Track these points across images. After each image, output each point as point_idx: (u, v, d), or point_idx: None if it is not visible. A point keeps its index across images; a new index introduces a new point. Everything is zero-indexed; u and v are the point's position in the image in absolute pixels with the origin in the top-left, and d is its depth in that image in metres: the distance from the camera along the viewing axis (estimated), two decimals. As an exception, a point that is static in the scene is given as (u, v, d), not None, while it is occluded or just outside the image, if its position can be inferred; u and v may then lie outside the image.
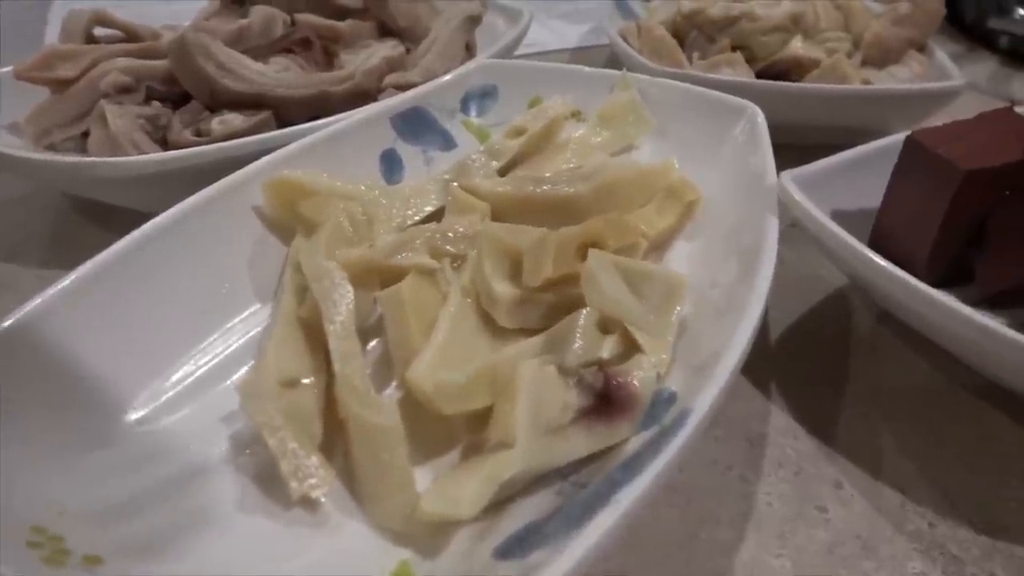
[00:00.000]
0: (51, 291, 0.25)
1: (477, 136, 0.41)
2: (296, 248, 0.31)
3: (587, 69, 0.42)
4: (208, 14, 0.47)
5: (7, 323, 0.23)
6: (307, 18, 0.43)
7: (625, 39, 0.51)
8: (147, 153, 0.36)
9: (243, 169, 0.32)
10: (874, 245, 0.32)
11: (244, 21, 0.41)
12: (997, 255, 0.29)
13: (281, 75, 0.39)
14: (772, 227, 0.28)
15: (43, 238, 0.40)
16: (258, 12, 0.43)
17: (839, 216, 0.33)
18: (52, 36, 0.67)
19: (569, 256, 0.28)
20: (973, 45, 0.68)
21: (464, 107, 0.42)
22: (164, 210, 0.29)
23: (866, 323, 0.35)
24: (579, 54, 0.65)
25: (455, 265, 0.30)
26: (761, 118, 0.36)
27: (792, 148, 0.37)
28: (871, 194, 0.34)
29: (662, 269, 0.28)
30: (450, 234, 0.30)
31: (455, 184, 0.34)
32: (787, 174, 0.31)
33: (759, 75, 0.49)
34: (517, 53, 0.62)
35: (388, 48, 0.43)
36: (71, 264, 0.25)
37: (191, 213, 0.29)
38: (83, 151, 0.40)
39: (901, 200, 0.31)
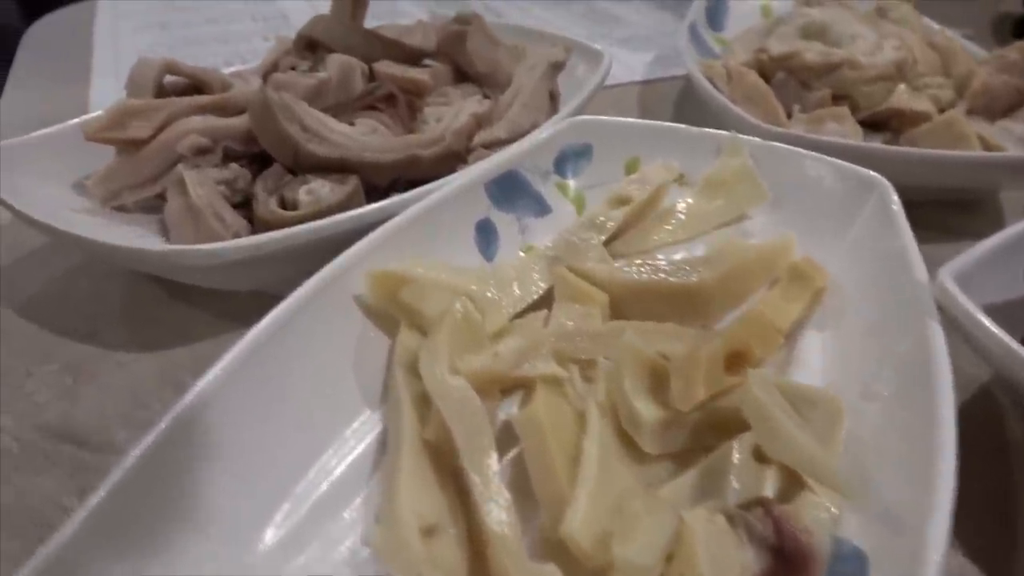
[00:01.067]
0: (172, 415, 0.22)
1: (572, 201, 0.39)
2: (404, 346, 0.29)
3: (690, 129, 0.39)
4: (276, 57, 0.45)
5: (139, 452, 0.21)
6: (388, 71, 0.40)
7: (712, 83, 0.48)
8: (230, 225, 0.33)
9: (342, 256, 0.30)
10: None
11: (323, 75, 0.39)
12: None
13: (368, 138, 0.36)
14: (938, 340, 0.26)
15: (115, 314, 0.37)
16: (335, 62, 0.40)
17: (991, 308, 0.30)
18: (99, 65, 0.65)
19: (719, 372, 0.25)
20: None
21: (558, 168, 0.39)
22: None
23: (1019, 428, 0.32)
24: (650, 88, 0.62)
25: (585, 374, 0.27)
26: (895, 196, 0.33)
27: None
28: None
29: (822, 392, 0.26)
30: (577, 338, 0.28)
31: (566, 268, 0.32)
32: (946, 272, 0.28)
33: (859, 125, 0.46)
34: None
35: (474, 103, 0.40)
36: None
37: (297, 313, 0.27)
38: (154, 211, 0.38)
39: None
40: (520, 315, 0.31)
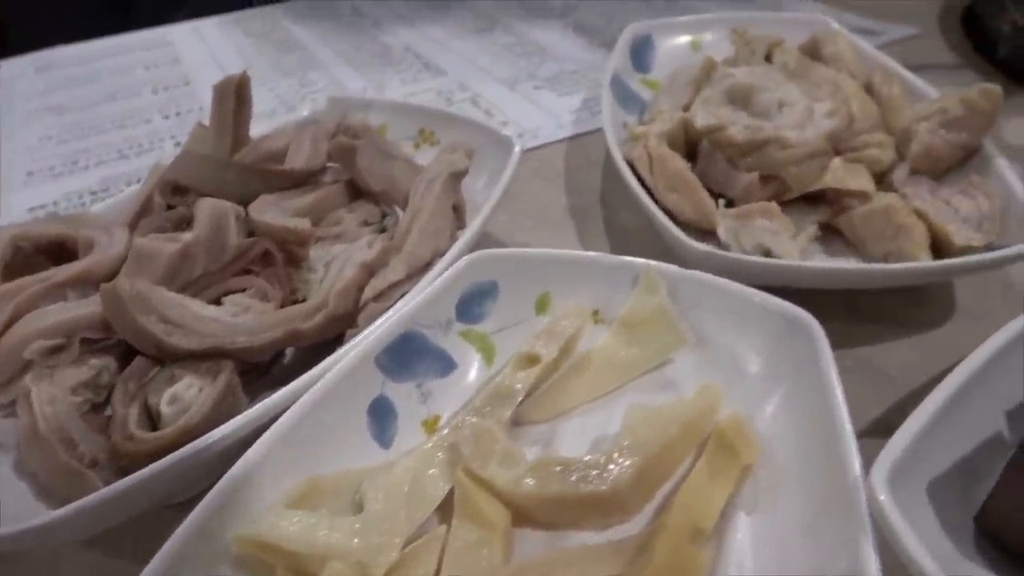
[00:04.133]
0: None
1: (479, 349, 0.35)
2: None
3: (603, 259, 0.35)
4: (147, 195, 0.40)
5: None
6: (264, 219, 0.36)
7: (633, 168, 0.44)
8: (83, 453, 0.29)
9: (213, 493, 0.26)
10: (983, 526, 0.26)
11: (188, 236, 0.34)
12: None
13: (240, 320, 0.32)
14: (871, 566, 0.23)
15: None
16: (204, 212, 0.36)
17: (934, 486, 0.27)
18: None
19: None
20: (1007, 82, 0.61)
21: (461, 314, 0.35)
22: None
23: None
24: (577, 144, 0.57)
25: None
26: (823, 341, 0.30)
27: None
28: (968, 439, 0.28)
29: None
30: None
31: (466, 473, 0.28)
32: (878, 475, 0.24)
33: (792, 201, 0.42)
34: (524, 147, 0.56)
35: (363, 248, 0.36)
36: None
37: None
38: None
39: (1018, 502, 0.25)
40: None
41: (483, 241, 0.47)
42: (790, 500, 0.28)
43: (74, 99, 0.70)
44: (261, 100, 0.66)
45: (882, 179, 0.44)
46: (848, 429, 0.27)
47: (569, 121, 0.60)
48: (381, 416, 0.32)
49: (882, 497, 0.24)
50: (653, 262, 0.34)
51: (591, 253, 0.35)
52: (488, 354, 0.35)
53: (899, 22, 0.74)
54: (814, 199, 0.43)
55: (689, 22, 0.61)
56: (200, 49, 0.78)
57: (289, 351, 0.36)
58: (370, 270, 0.35)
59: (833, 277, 0.36)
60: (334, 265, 0.35)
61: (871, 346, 0.38)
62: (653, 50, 0.60)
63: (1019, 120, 0.56)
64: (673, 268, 0.34)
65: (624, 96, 0.55)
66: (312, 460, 0.30)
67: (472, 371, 0.34)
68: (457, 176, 0.40)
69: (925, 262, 0.37)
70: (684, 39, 0.61)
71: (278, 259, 0.34)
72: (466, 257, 0.35)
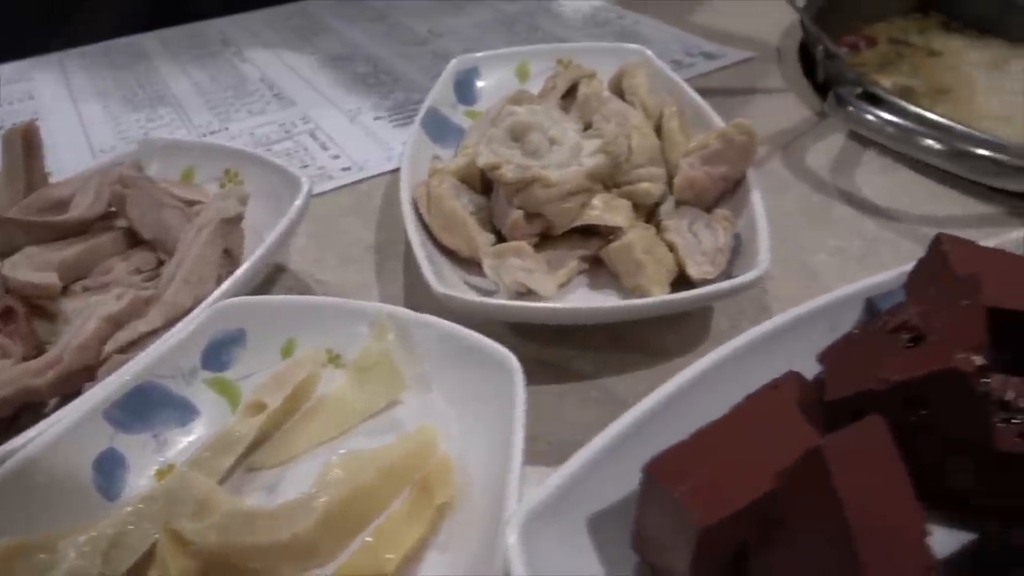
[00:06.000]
0: None
1: (224, 395, 0.36)
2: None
3: (340, 305, 0.37)
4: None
5: None
6: (13, 273, 0.36)
7: (416, 206, 0.45)
8: None
9: None
10: (637, 551, 0.28)
11: (-70, 296, 0.35)
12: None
13: (-34, 380, 0.33)
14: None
15: None
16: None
17: (599, 519, 0.28)
18: None
19: None
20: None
21: (207, 362, 0.36)
22: None
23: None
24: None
25: None
26: (519, 376, 0.31)
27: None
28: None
29: None
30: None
31: (165, 527, 0.29)
32: (515, 524, 0.26)
33: (569, 235, 0.44)
34: (342, 183, 0.57)
35: (109, 300, 0.37)
36: None
37: None
38: None
39: (651, 523, 0.27)
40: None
41: (285, 279, 0.48)
42: (479, 538, 0.29)
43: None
44: (104, 138, 0.66)
45: (655, 211, 0.46)
46: (516, 466, 0.28)
47: (398, 153, 0.61)
48: (109, 469, 0.33)
49: (511, 540, 0.25)
50: (387, 307, 0.36)
51: (331, 299, 0.37)
52: (234, 400, 0.36)
53: (745, 47, 0.77)
54: (589, 232, 0.45)
55: (514, 53, 0.63)
56: (58, 84, 0.78)
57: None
58: (116, 322, 0.36)
59: (549, 314, 0.38)
60: (78, 318, 0.36)
61: (618, 376, 0.40)
62: (479, 82, 0.61)
63: (818, 145, 0.59)
64: (405, 312, 0.35)
65: (445, 130, 0.56)
66: (31, 520, 0.30)
67: (217, 417, 0.35)
68: (229, 222, 0.41)
69: (626, 301, 0.40)
70: (510, 70, 0.62)
71: (20, 314, 0.35)
72: (210, 307, 0.36)
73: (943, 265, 0.32)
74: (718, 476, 0.25)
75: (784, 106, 0.66)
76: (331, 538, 0.29)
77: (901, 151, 0.53)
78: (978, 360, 0.25)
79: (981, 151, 0.48)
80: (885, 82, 0.72)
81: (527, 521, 0.26)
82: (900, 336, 0.27)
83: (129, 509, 0.31)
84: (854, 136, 0.59)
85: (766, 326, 0.34)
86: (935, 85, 0.70)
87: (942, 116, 0.53)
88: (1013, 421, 0.27)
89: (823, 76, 0.65)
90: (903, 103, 0.56)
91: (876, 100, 0.57)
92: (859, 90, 0.58)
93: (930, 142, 0.49)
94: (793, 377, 0.31)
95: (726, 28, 0.80)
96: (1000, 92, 0.68)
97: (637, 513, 0.27)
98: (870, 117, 0.51)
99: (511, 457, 0.29)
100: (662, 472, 0.25)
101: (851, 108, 0.52)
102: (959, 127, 0.52)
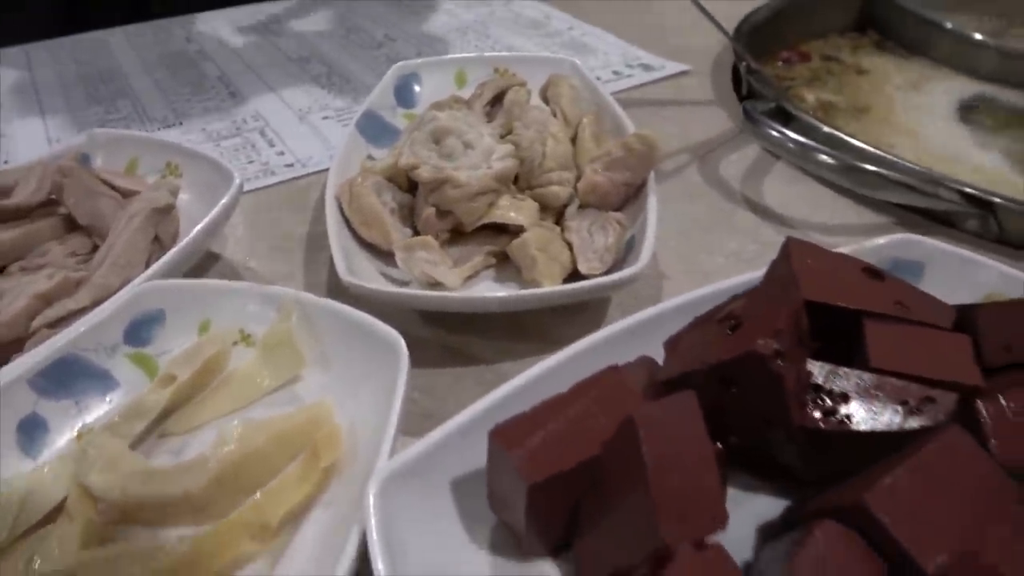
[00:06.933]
0: None
1: (144, 369, 0.39)
2: None
3: (255, 289, 0.40)
4: None
5: None
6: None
7: (340, 204, 0.49)
8: None
9: None
10: (492, 506, 0.31)
11: None
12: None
13: None
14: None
15: None
16: None
17: (464, 479, 0.32)
18: None
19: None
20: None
21: (129, 338, 0.39)
22: None
23: None
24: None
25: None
26: (404, 356, 0.35)
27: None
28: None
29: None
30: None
31: (75, 480, 0.33)
32: (375, 481, 0.29)
33: (480, 231, 0.48)
34: (283, 179, 0.60)
35: (43, 280, 0.40)
36: None
37: None
38: None
39: (497, 482, 0.30)
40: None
41: (219, 266, 0.52)
42: (359, 497, 0.33)
43: None
44: (62, 130, 0.69)
45: (563, 212, 0.50)
46: (390, 433, 0.32)
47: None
48: (30, 431, 0.36)
49: (371, 495, 0.29)
50: (294, 292, 0.39)
51: (244, 283, 0.40)
52: (152, 373, 0.39)
53: (685, 59, 0.80)
54: (499, 230, 0.48)
55: (453, 60, 0.67)
56: (22, 75, 0.81)
57: None
58: (46, 299, 0.39)
59: (439, 302, 0.42)
60: (8, 295, 0.39)
61: (514, 362, 0.44)
62: (418, 87, 0.65)
63: (734, 156, 0.63)
64: (309, 297, 0.39)
65: (381, 131, 0.60)
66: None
67: (135, 389, 0.39)
68: (159, 211, 0.45)
69: (511, 292, 0.44)
70: (449, 76, 0.66)
71: (-48, 293, 0.38)
72: (133, 288, 0.40)
73: (787, 264, 0.36)
74: (552, 441, 0.29)
75: (710, 118, 0.69)
76: (223, 496, 0.33)
77: (800, 165, 0.57)
78: (775, 345, 0.28)
79: (868, 166, 0.52)
80: (809, 97, 0.76)
81: (388, 479, 0.29)
82: (725, 324, 0.31)
83: (46, 468, 0.34)
84: (768, 148, 0.63)
85: (636, 316, 0.38)
86: (856, 103, 0.74)
87: (838, 131, 0.57)
88: (819, 401, 0.31)
89: (746, 91, 0.69)
90: (808, 118, 0.60)
91: (787, 116, 0.62)
92: (772, 105, 0.62)
93: (824, 157, 0.53)
94: (644, 360, 0.35)
95: (674, 42, 0.84)
96: (915, 110, 0.73)
97: (488, 475, 0.31)
98: (773, 132, 0.55)
99: (388, 423, 0.32)
100: (503, 437, 0.29)
101: (756, 123, 0.56)
102: (853, 142, 0.56)
